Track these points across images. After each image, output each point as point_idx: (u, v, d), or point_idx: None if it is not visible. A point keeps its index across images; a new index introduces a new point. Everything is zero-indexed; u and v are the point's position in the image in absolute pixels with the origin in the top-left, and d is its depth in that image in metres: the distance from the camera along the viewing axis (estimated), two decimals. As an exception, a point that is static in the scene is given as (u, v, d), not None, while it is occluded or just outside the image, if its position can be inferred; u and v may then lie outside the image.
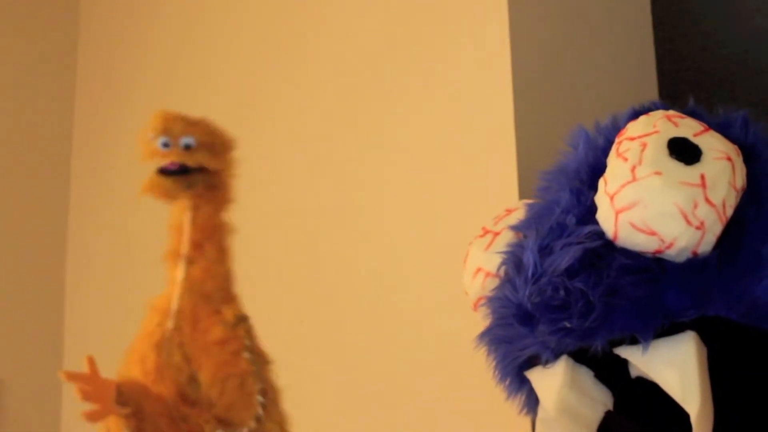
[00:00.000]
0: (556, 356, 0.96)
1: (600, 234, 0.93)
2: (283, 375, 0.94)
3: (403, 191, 1.45)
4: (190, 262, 0.93)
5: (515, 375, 1.02)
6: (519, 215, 1.07)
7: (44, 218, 2.22)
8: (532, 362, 0.99)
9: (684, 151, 0.91)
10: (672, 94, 1.41)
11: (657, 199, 0.89)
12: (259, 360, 0.92)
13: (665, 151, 0.91)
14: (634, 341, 0.91)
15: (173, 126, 0.92)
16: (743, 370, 0.92)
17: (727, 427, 0.90)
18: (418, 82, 1.45)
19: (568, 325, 0.91)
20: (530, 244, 0.96)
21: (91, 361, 0.88)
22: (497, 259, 1.03)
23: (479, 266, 1.08)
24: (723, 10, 1.41)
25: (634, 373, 0.94)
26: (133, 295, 1.95)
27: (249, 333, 0.93)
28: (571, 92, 1.37)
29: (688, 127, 0.94)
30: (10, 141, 2.21)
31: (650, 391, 0.92)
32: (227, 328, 0.91)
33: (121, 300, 2.03)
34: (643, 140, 0.92)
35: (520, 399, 1.05)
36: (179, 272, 0.93)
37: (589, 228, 0.94)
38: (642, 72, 1.45)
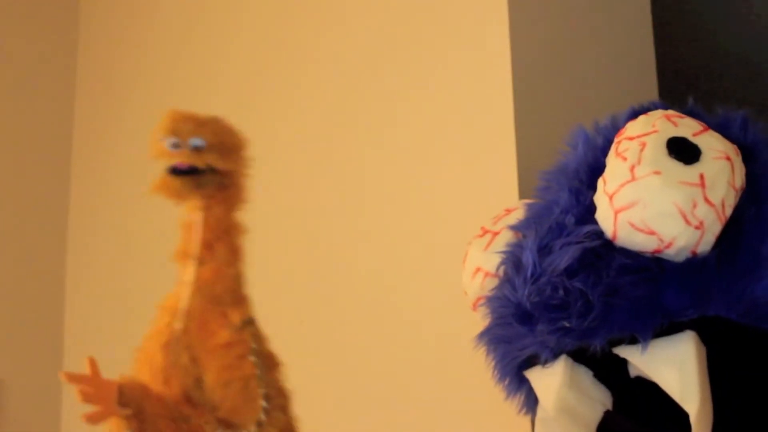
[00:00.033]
0: (555, 356, 0.95)
1: (599, 234, 0.93)
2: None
3: (402, 191, 1.45)
4: (201, 262, 0.92)
5: (514, 375, 1.02)
6: (518, 215, 1.07)
7: (44, 218, 2.22)
8: (531, 362, 0.99)
9: (683, 151, 0.91)
10: (672, 94, 1.41)
11: (656, 199, 0.89)
12: (266, 364, 0.91)
13: (664, 150, 0.91)
14: (633, 341, 0.91)
15: (182, 127, 0.91)
16: (743, 370, 0.92)
17: (726, 427, 0.90)
18: (418, 82, 1.45)
19: (567, 324, 0.90)
20: (529, 244, 0.96)
21: (92, 363, 0.87)
22: (496, 259, 1.03)
23: (478, 266, 1.08)
24: (723, 10, 1.41)
25: (633, 373, 0.94)
26: (133, 295, 1.96)
27: (256, 336, 0.92)
28: (571, 92, 1.37)
29: (688, 127, 0.94)
30: (10, 141, 2.21)
31: (649, 390, 0.92)
32: (233, 331, 0.90)
33: (121, 300, 2.04)
34: (642, 140, 0.92)
35: (519, 399, 1.05)
36: (189, 273, 0.92)
37: (588, 228, 0.93)
38: (642, 72, 1.45)
